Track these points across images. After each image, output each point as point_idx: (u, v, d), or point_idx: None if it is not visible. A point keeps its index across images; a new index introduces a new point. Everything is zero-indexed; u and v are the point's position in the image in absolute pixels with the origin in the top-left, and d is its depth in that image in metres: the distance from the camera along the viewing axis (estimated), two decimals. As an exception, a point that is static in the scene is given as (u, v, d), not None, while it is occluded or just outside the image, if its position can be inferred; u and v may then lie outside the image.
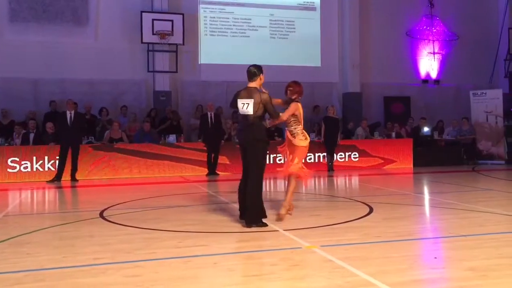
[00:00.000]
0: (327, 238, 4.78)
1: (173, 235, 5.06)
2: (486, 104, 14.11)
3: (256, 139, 5.49)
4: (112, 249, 4.44)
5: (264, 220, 5.43)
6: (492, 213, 6.14)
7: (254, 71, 5.68)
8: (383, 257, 4.11)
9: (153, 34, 13.52)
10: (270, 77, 14.73)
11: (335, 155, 12.60)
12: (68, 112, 10.71)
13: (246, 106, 5.49)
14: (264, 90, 5.58)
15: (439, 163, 13.21)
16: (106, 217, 6.10)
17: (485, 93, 14.28)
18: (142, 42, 13.59)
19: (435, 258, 4.21)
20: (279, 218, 5.68)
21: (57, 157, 10.67)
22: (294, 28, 15.31)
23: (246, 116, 5.53)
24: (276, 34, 15.19)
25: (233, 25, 14.87)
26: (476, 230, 5.10)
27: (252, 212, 5.35)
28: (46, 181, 10.54)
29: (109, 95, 13.62)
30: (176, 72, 13.96)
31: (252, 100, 5.46)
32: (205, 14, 14.65)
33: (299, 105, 5.90)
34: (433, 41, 16.07)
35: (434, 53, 16.10)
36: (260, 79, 5.70)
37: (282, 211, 5.80)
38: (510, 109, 15.26)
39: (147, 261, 4.03)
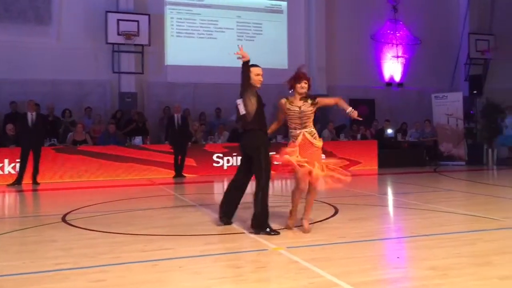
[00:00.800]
0: (293, 240, 4.82)
1: (138, 239, 5.00)
2: (447, 106, 14.51)
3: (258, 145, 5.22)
4: (75, 254, 4.35)
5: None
6: (453, 213, 6.33)
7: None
8: (347, 257, 4.18)
9: (118, 34, 13.32)
10: (238, 79, 14.87)
11: (301, 156, 12.70)
12: (29, 114, 10.43)
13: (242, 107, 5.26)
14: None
15: (403, 164, 13.51)
16: (68, 221, 5.97)
17: (446, 96, 14.70)
18: (107, 43, 13.38)
19: (398, 257, 4.30)
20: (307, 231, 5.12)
21: (18, 160, 10.38)
22: (261, 31, 15.38)
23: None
24: (243, 36, 15.22)
25: (200, 27, 14.82)
26: (437, 230, 5.24)
27: (260, 219, 5.06)
28: (7, 185, 10.22)
29: (72, 96, 13.35)
30: (142, 73, 13.80)
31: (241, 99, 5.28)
32: (171, 15, 14.54)
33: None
34: (397, 45, 16.44)
35: (397, 56, 16.46)
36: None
37: (305, 224, 5.17)
38: (470, 112, 15.76)
39: (111, 266, 3.97)
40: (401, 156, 14.06)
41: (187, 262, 4.07)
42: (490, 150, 14.11)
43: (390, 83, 16.59)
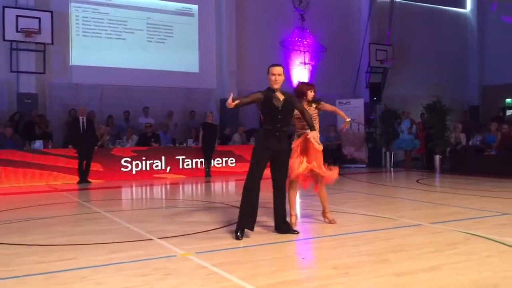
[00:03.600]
0: (202, 245, 4.79)
1: (35, 249, 4.69)
2: (350, 112, 15.27)
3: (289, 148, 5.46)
4: (-38, 269, 3.98)
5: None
6: (355, 214, 6.67)
7: None
8: (255, 260, 4.24)
9: (17, 31, 12.47)
10: (147, 82, 14.61)
11: (212, 160, 12.73)
12: None
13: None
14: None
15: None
16: (-43, 233, 5.46)
17: (349, 102, 15.50)
18: (4, 40, 12.47)
19: (303, 258, 4.44)
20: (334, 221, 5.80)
21: None
22: (172, 33, 15.19)
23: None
24: (153, 38, 14.94)
25: (108, 27, 14.31)
26: (340, 230, 5.49)
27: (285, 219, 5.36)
28: None
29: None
30: (44, 73, 13.02)
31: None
32: (77, 13, 13.89)
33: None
34: (304, 52, 17.03)
35: (305, 63, 17.05)
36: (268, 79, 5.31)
37: (329, 216, 5.87)
38: (370, 117, 16.73)
39: (6, 280, 3.69)
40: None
41: (90, 272, 3.89)
42: (388, 153, 15.07)
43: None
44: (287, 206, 5.59)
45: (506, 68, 18.62)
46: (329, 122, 15.47)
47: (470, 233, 5.20)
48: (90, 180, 11.28)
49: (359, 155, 15.29)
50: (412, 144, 14.60)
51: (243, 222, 5.07)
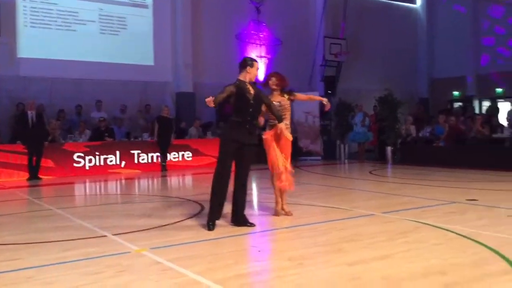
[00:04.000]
0: (157, 240, 4.74)
1: (-18, 250, 4.50)
2: (305, 105, 15.44)
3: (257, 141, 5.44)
4: None
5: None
6: (310, 205, 6.77)
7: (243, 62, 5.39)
8: (211, 254, 4.23)
9: (-41, 21, 11.86)
10: (100, 75, 14.23)
11: (168, 154, 12.59)
12: None
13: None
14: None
15: (266, 160, 14.04)
16: None
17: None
18: None
19: (259, 251, 4.47)
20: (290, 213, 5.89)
21: None
22: (125, 25, 14.84)
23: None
24: (106, 30, 14.55)
25: (58, 18, 13.81)
26: (297, 222, 5.57)
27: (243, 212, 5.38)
28: None
29: None
30: (-11, 65, 12.45)
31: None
32: (24, 3, 13.33)
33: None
34: (260, 45, 17.04)
35: (261, 56, 17.07)
36: (248, 72, 5.34)
37: (287, 208, 5.94)
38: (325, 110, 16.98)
39: None
40: (265, 152, 14.59)
41: (38, 272, 3.76)
42: (342, 146, 15.37)
43: (255, 82, 17.09)
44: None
45: (454, 62, 19.34)
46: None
47: (419, 222, 5.38)
48: (40, 176, 10.91)
49: (314, 147, 15.51)
50: (365, 136, 14.93)
51: (214, 214, 5.18)
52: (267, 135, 5.80)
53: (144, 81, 14.84)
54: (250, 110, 5.25)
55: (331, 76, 17.87)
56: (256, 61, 5.49)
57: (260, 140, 5.76)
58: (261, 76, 17.25)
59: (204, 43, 15.88)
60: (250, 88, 5.32)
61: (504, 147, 11.74)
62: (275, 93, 5.88)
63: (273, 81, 5.85)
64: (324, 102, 6.04)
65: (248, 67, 5.35)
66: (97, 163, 11.87)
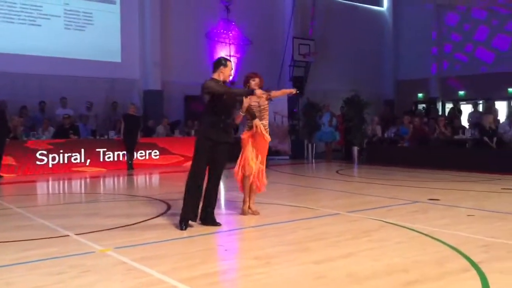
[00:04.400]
0: (122, 240, 4.67)
1: None
2: (274, 105, 15.46)
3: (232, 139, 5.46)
4: None
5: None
6: (278, 204, 6.81)
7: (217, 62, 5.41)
8: (177, 253, 4.20)
9: None
10: (65, 71, 13.89)
11: (135, 153, 12.42)
12: None
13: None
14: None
15: (234, 159, 14.02)
16: None
17: (274, 95, 15.70)
18: None
19: (226, 250, 4.47)
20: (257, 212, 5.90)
21: None
22: (92, 21, 14.53)
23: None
24: (71, 25, 14.21)
25: (21, 12, 13.41)
26: (264, 221, 5.59)
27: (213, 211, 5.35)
28: None
29: None
30: None
31: None
32: (-15, -5, 12.90)
33: None
34: (230, 44, 17.01)
35: (230, 55, 17.04)
36: (221, 72, 5.32)
37: (253, 207, 5.92)
38: (293, 110, 17.09)
39: None
40: (234, 151, 14.60)
41: (-2, 272, 3.66)
42: (310, 145, 15.51)
43: (224, 81, 17.08)
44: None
45: (418, 65, 19.81)
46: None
47: (384, 221, 5.49)
48: (1, 174, 10.58)
49: (282, 147, 15.59)
50: (333, 136, 15.11)
51: (188, 214, 5.13)
52: (245, 135, 5.83)
53: (111, 78, 14.57)
54: (225, 109, 5.27)
55: (300, 76, 18.00)
56: (230, 61, 5.50)
57: (238, 139, 5.79)
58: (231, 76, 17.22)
59: (173, 41, 15.73)
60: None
61: (465, 148, 12.10)
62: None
63: (256, 81, 5.70)
64: (293, 91, 6.09)
65: (221, 67, 5.35)
66: (61, 161, 11.59)
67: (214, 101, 5.21)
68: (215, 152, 5.27)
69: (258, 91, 5.30)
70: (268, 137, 5.83)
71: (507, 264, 3.80)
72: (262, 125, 5.75)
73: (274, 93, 5.92)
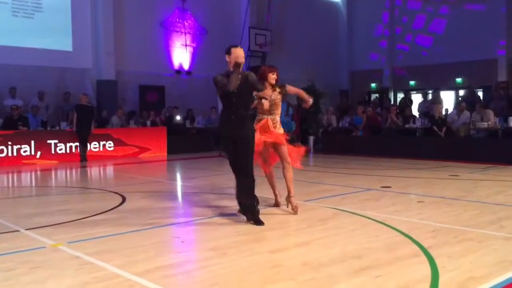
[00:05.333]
0: (75, 234, 4.56)
1: None
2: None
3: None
4: None
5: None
6: (234, 195, 6.80)
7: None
8: (133, 247, 4.14)
9: None
10: (14, 60, 13.34)
11: (88, 144, 12.11)
12: None
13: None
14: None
15: (191, 150, 13.98)
16: None
17: (230, 85, 15.65)
18: None
19: (182, 242, 4.44)
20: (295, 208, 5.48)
21: None
22: (41, 8, 14.00)
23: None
24: (19, 13, 13.64)
25: (-36, -3, 12.76)
26: (219, 211, 5.58)
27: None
28: None
29: None
30: None
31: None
32: None
33: None
34: (185, 33, 16.80)
35: (186, 45, 16.85)
36: (228, 60, 4.98)
37: (293, 201, 5.52)
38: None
39: None
40: (190, 142, 14.53)
41: None
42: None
43: (180, 70, 16.91)
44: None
45: (371, 56, 20.23)
46: (211, 104, 15.54)
47: (338, 209, 5.61)
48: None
49: (239, 137, 15.57)
50: (289, 126, 15.19)
51: (252, 212, 5.04)
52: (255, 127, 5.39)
53: (62, 67, 14.12)
54: (233, 99, 4.93)
55: (256, 66, 17.98)
56: (235, 46, 5.06)
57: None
58: (186, 65, 17.05)
59: (127, 30, 15.38)
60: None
61: (415, 137, 12.50)
62: (269, 86, 5.44)
63: (275, 76, 5.44)
64: (309, 102, 5.79)
65: (226, 56, 5.03)
66: (10, 154, 11.16)
67: (220, 94, 4.98)
68: (235, 149, 5.02)
69: (265, 103, 5.19)
70: (276, 132, 5.47)
71: (454, 249, 3.97)
72: (270, 119, 5.44)
73: (290, 89, 5.61)
